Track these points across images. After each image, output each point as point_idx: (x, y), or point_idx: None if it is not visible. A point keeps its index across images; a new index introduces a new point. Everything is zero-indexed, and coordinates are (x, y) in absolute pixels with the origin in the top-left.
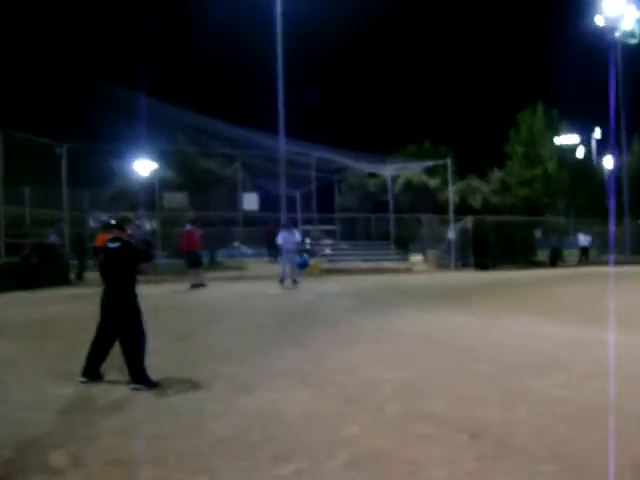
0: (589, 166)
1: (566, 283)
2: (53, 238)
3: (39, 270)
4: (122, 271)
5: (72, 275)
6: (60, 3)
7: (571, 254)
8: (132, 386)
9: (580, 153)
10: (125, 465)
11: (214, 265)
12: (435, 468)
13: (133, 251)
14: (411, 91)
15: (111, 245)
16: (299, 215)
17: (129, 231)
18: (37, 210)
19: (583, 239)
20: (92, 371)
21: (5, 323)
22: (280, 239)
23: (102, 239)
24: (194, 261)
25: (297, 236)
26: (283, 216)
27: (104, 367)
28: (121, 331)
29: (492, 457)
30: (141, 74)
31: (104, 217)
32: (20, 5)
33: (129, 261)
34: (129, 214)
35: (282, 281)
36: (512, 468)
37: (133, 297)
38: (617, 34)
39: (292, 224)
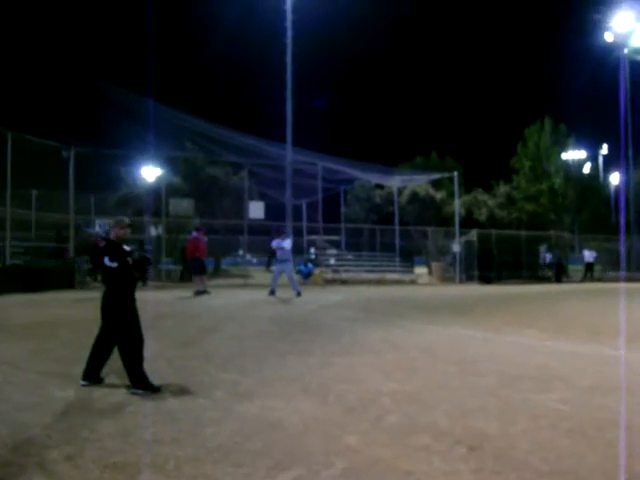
0: (595, 182)
1: (571, 299)
2: (101, 244)
3: (45, 273)
4: (115, 274)
5: (78, 277)
6: (73, 8)
7: (576, 270)
8: (131, 390)
9: (587, 169)
10: (123, 469)
11: (218, 273)
12: None
13: (118, 251)
14: (419, 104)
15: (100, 245)
16: (305, 224)
17: (116, 233)
18: (43, 214)
19: (588, 255)
20: (93, 374)
21: (9, 324)
22: (274, 244)
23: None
24: (199, 268)
25: (288, 243)
26: (288, 225)
27: (105, 371)
28: (118, 335)
29: (491, 470)
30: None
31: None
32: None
33: (118, 262)
34: (121, 218)
35: (272, 293)
36: None
37: (130, 301)
38: (626, 51)
39: (285, 232)
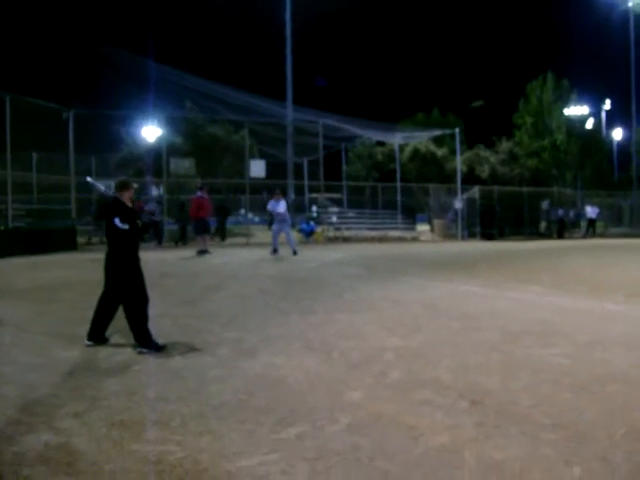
0: (598, 138)
1: (572, 255)
2: (151, 206)
3: (48, 235)
4: (123, 235)
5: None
6: None
7: (578, 226)
8: (137, 349)
9: (589, 124)
10: (129, 426)
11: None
12: (436, 434)
13: (130, 213)
14: (421, 60)
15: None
16: (306, 182)
17: (127, 195)
18: (44, 175)
19: (590, 211)
20: (98, 334)
21: (13, 287)
22: (270, 207)
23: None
24: (202, 228)
25: (282, 206)
26: (290, 184)
27: (110, 331)
28: (122, 295)
29: (493, 424)
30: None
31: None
32: None
33: (125, 217)
34: (127, 179)
35: (274, 251)
36: (513, 435)
37: (134, 261)
38: (631, 4)
39: (280, 193)
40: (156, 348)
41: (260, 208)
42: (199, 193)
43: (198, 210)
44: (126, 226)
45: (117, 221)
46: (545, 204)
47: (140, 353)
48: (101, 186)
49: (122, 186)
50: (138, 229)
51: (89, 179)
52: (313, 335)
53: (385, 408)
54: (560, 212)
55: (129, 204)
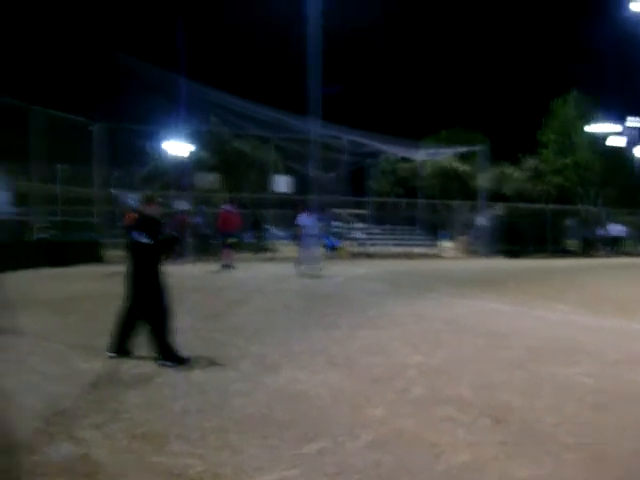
0: (623, 155)
1: (598, 273)
2: (197, 219)
3: (71, 247)
4: (146, 250)
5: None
6: None
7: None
8: (159, 362)
9: (614, 142)
10: (150, 439)
11: (246, 246)
12: (458, 452)
13: (153, 228)
14: (446, 76)
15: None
16: (330, 198)
17: (151, 209)
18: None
19: (615, 229)
20: (120, 346)
21: (36, 298)
22: (300, 221)
23: (130, 218)
24: (228, 242)
25: (313, 222)
26: (314, 199)
27: (132, 343)
28: (145, 308)
29: (516, 443)
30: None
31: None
32: None
33: (150, 232)
34: (152, 193)
35: (300, 266)
36: (536, 454)
37: (157, 274)
38: None
39: (315, 208)
40: (179, 361)
41: (287, 223)
42: (227, 207)
43: (225, 224)
44: (149, 240)
45: (139, 236)
46: (569, 222)
47: (162, 366)
48: (129, 198)
49: (148, 200)
50: (160, 244)
51: (117, 192)
52: (336, 350)
53: (407, 424)
54: (585, 230)
55: (154, 217)
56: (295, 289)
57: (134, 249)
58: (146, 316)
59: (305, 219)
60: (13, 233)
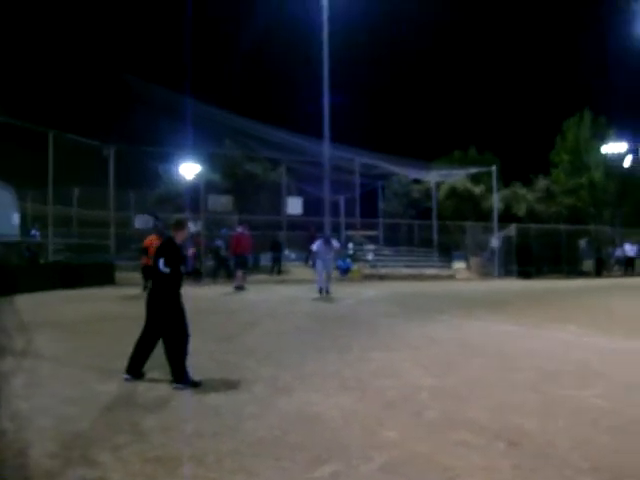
0: (637, 175)
1: (610, 294)
2: (218, 242)
3: (86, 269)
4: (165, 277)
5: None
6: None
7: (617, 263)
8: (174, 385)
9: (627, 162)
10: (164, 462)
11: (258, 268)
12: (472, 476)
13: (176, 257)
14: (458, 97)
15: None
16: (343, 220)
17: (180, 235)
18: (84, 210)
19: (629, 249)
20: (135, 369)
21: (52, 320)
22: (315, 247)
23: (151, 240)
24: (241, 264)
25: (333, 247)
26: (326, 221)
27: (147, 366)
28: (163, 331)
29: (530, 467)
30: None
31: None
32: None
33: (170, 260)
34: (184, 218)
35: (321, 291)
36: (551, 478)
37: (176, 297)
38: None
39: (328, 232)
40: (193, 384)
41: (298, 244)
42: (239, 229)
43: (237, 246)
44: (168, 269)
45: (160, 263)
46: (583, 242)
47: (176, 389)
48: (157, 220)
49: (178, 225)
50: (180, 274)
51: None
52: (349, 373)
53: (420, 448)
54: (598, 250)
55: (179, 243)
56: (307, 311)
57: (155, 274)
58: (163, 339)
59: (319, 245)
60: (29, 255)
